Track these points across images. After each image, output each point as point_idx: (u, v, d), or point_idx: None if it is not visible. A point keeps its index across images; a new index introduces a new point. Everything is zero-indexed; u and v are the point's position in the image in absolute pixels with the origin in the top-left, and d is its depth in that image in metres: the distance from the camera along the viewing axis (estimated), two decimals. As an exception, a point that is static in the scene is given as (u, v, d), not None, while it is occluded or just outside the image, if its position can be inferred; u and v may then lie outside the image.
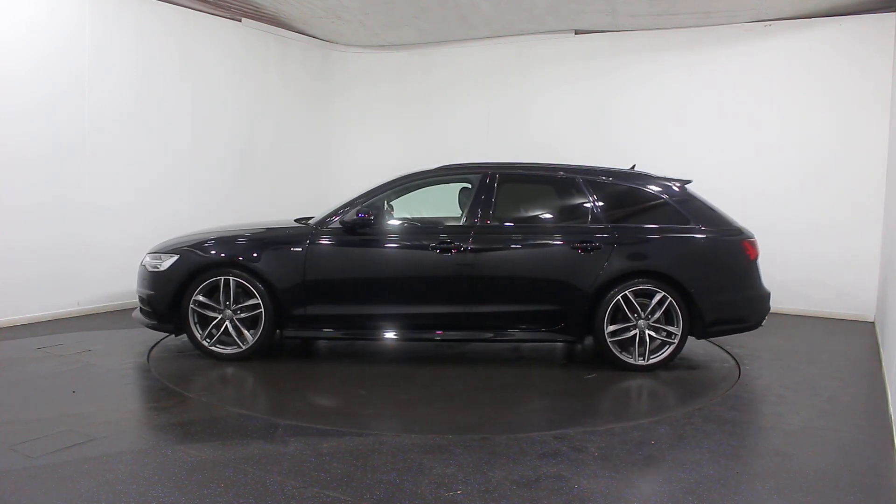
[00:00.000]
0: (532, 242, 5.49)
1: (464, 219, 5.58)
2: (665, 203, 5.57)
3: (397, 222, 5.73)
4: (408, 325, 5.50)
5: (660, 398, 4.98)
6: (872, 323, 7.53)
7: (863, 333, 7.11)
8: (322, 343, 6.26)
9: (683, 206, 5.53)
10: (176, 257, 5.47)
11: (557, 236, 5.50)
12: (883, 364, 5.70)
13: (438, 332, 5.50)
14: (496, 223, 5.52)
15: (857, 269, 7.66)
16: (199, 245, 5.54)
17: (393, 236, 5.56)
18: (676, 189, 5.62)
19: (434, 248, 5.38)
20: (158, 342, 6.00)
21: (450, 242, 5.38)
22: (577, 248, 5.38)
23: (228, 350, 5.48)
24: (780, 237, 7.53)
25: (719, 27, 8.19)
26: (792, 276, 7.66)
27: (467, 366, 5.62)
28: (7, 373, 5.03)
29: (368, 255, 5.51)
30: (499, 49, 9.33)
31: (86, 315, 6.98)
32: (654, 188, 5.62)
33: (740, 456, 3.83)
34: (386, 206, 5.86)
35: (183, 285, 5.40)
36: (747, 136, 8.12)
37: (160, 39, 7.61)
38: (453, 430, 4.11)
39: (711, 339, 6.12)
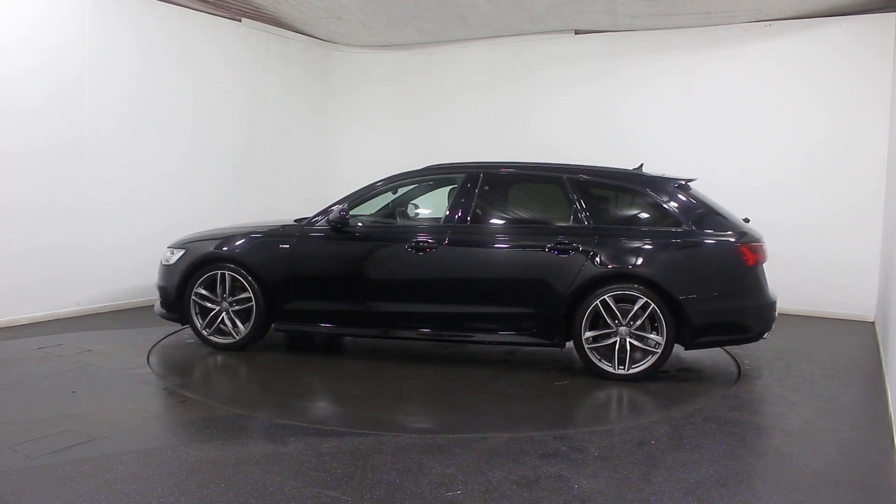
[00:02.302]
0: (507, 243, 5.40)
1: (443, 218, 5.58)
2: (656, 203, 5.32)
3: (381, 221, 5.88)
4: (383, 322, 5.55)
5: (660, 399, 4.98)
6: (872, 323, 7.53)
7: (863, 333, 7.11)
8: (309, 336, 6.35)
9: (676, 207, 5.25)
10: (182, 252, 5.83)
11: (533, 237, 5.36)
12: (883, 364, 5.70)
13: (411, 330, 5.52)
14: (474, 223, 5.47)
15: (857, 268, 7.65)
16: (201, 241, 5.88)
17: (374, 235, 5.67)
18: (670, 189, 5.35)
19: (410, 248, 5.40)
20: (158, 342, 6.00)
21: (425, 242, 5.39)
22: (553, 250, 5.20)
23: (224, 340, 5.73)
24: (780, 236, 7.50)
25: (719, 27, 8.19)
26: (792, 275, 7.65)
27: (441, 365, 5.62)
28: (7, 373, 5.02)
29: (349, 253, 5.60)
30: (499, 49, 9.33)
31: (86, 315, 6.98)
32: (644, 188, 5.37)
33: (740, 456, 3.83)
34: (409, 206, 6.05)
35: (186, 278, 5.72)
36: (748, 135, 8.12)
37: (160, 39, 7.61)
38: (376, 427, 4.10)
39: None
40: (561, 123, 8.98)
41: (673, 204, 5.28)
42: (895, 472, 3.72)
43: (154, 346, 5.88)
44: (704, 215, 5.24)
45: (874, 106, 7.55)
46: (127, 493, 3.16)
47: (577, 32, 8.90)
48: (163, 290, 5.88)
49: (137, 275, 7.48)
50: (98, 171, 7.05)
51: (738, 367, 5.65)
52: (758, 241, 5.23)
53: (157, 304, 6.00)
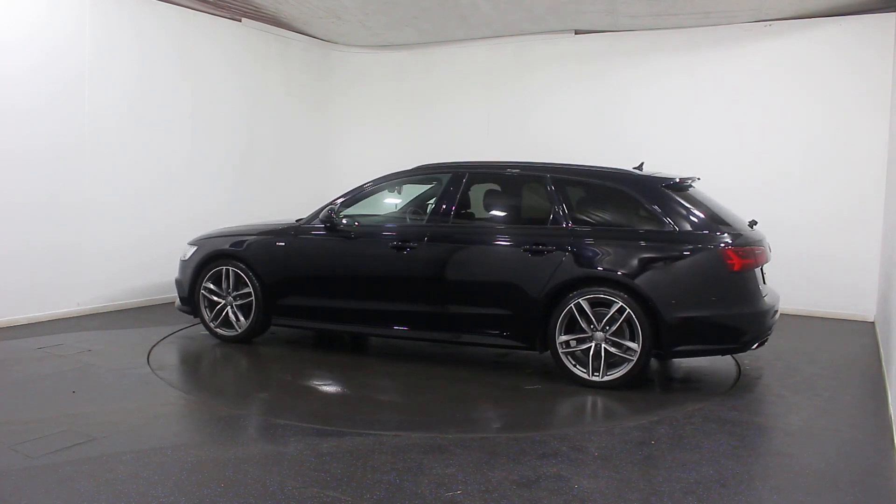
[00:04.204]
0: (482, 243, 5.35)
1: (426, 218, 5.60)
2: (639, 203, 5.09)
3: (371, 220, 5.95)
4: (365, 319, 5.62)
5: (661, 398, 4.98)
6: (872, 323, 7.53)
7: (863, 333, 7.11)
8: (307, 331, 6.44)
9: (660, 207, 4.99)
10: (195, 248, 6.14)
11: (510, 237, 5.28)
12: (883, 364, 5.70)
13: (389, 328, 5.57)
14: (455, 223, 5.46)
15: (857, 268, 7.65)
16: (212, 238, 6.19)
17: (362, 234, 5.72)
18: (656, 188, 5.10)
19: (393, 246, 5.45)
20: (158, 342, 6.00)
21: (407, 241, 5.42)
22: (527, 251, 5.09)
23: (228, 332, 5.98)
24: (780, 236, 7.49)
25: (719, 27, 8.18)
26: (792, 275, 7.65)
27: (424, 364, 5.63)
28: (7, 373, 5.02)
29: (337, 251, 5.71)
30: (499, 49, 9.33)
31: (86, 315, 6.98)
32: (627, 187, 5.17)
33: (740, 456, 3.83)
34: (429, 206, 6.04)
35: (197, 273, 6.03)
36: (748, 135, 8.11)
37: (160, 39, 7.60)
38: (294, 418, 4.20)
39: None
40: (561, 123, 8.98)
41: (656, 204, 5.03)
42: (895, 472, 3.72)
43: (154, 345, 5.87)
44: (690, 216, 4.97)
45: (874, 106, 7.54)
46: (127, 493, 3.16)
47: (577, 32, 8.89)
48: (179, 285, 6.21)
49: (137, 275, 7.49)
50: (98, 171, 7.05)
51: (738, 367, 5.65)
52: (749, 244, 4.93)
53: (177, 298, 6.32)
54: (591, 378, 4.91)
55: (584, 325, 4.91)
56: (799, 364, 5.80)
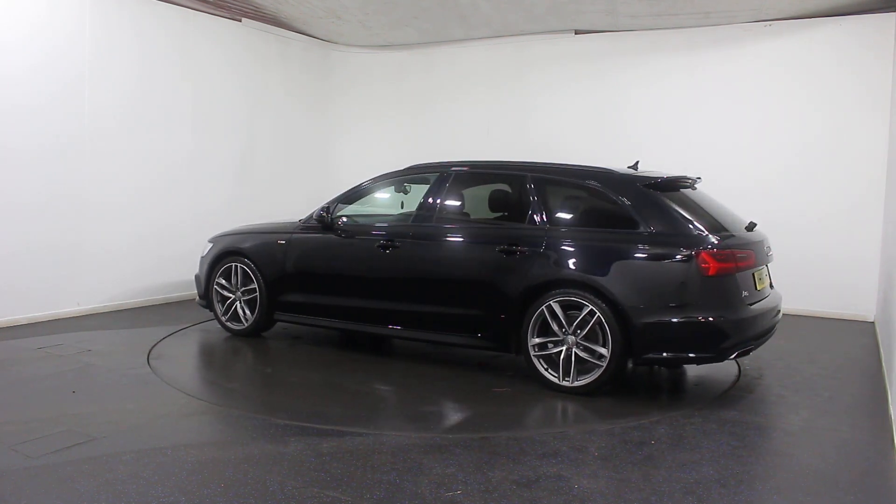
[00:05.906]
0: (460, 243, 5.34)
1: (412, 217, 5.64)
2: (615, 203, 4.92)
3: (363, 219, 6.03)
4: (351, 317, 5.72)
5: (660, 398, 4.98)
6: (872, 323, 7.53)
7: (863, 333, 7.11)
8: (310, 327, 6.46)
9: (638, 207, 4.81)
10: (211, 245, 6.46)
11: (486, 238, 5.24)
12: (883, 364, 5.70)
13: (371, 326, 5.64)
14: (437, 223, 5.46)
15: (857, 268, 7.65)
16: (225, 236, 6.48)
17: (353, 233, 5.83)
18: (635, 188, 4.91)
19: (379, 245, 5.52)
20: (158, 341, 6.00)
21: (391, 240, 5.48)
22: (501, 251, 5.02)
23: (237, 326, 6.24)
24: (780, 236, 7.49)
25: (719, 27, 8.18)
26: (791, 275, 7.63)
27: (410, 363, 5.67)
28: (7, 373, 5.02)
29: (327, 250, 5.88)
30: (499, 49, 9.33)
31: (86, 315, 6.98)
32: (604, 187, 5.00)
33: (740, 456, 3.83)
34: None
35: (212, 269, 6.35)
36: (747, 135, 8.11)
37: (160, 39, 7.61)
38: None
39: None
40: (561, 123, 8.98)
41: (634, 204, 4.84)
42: (895, 472, 3.72)
43: (154, 345, 5.88)
44: (670, 218, 4.76)
45: (874, 106, 7.54)
46: (127, 493, 3.16)
47: (577, 32, 8.89)
48: (197, 280, 6.53)
49: (138, 275, 7.49)
50: (98, 171, 7.05)
51: (738, 367, 5.65)
52: (729, 248, 4.65)
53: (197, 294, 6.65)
54: (561, 383, 4.78)
55: (555, 328, 4.80)
56: (799, 364, 5.80)
